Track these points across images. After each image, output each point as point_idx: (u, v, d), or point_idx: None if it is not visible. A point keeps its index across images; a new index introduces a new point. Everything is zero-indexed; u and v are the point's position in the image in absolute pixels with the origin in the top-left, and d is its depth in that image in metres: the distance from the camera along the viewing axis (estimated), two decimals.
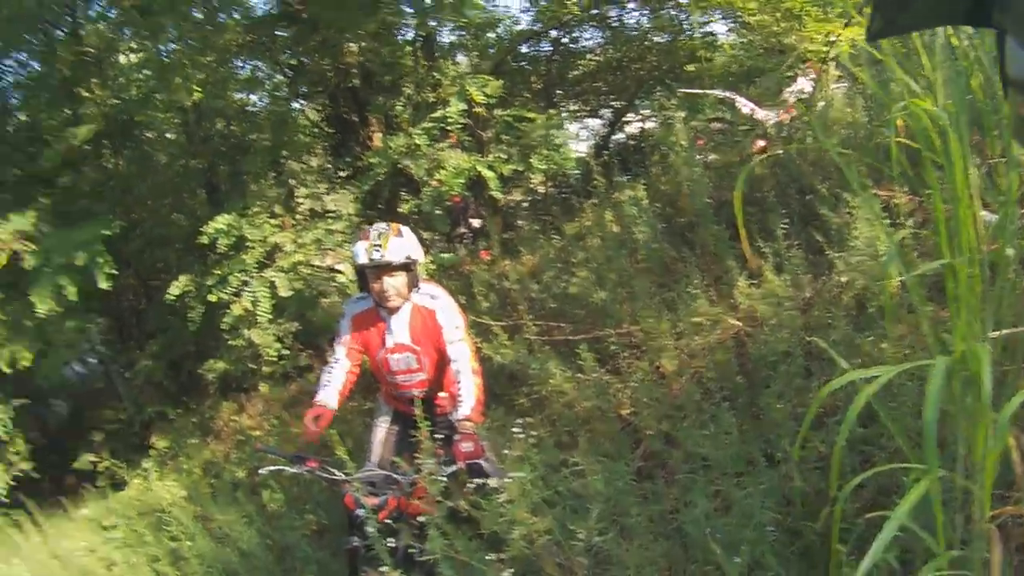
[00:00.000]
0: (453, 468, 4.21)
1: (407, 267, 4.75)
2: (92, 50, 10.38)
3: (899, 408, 3.62)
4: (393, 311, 4.85)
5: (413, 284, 4.83)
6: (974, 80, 3.03)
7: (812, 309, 5.20)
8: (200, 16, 9.18)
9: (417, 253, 4.84)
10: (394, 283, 4.73)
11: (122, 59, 10.93)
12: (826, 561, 3.58)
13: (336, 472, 4.49)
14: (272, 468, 4.75)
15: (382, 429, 5.29)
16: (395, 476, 4.51)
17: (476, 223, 10.77)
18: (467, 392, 4.62)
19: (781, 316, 5.02)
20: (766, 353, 4.95)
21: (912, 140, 3.19)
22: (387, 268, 4.68)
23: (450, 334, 4.78)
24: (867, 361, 4.25)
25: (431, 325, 4.83)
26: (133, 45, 10.39)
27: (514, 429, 4.17)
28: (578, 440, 5.30)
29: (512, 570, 3.57)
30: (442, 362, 4.94)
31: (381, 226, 4.77)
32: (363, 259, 4.65)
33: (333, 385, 4.96)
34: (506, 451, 4.14)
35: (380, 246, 4.63)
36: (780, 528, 3.70)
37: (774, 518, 3.65)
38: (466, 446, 4.25)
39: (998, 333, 2.75)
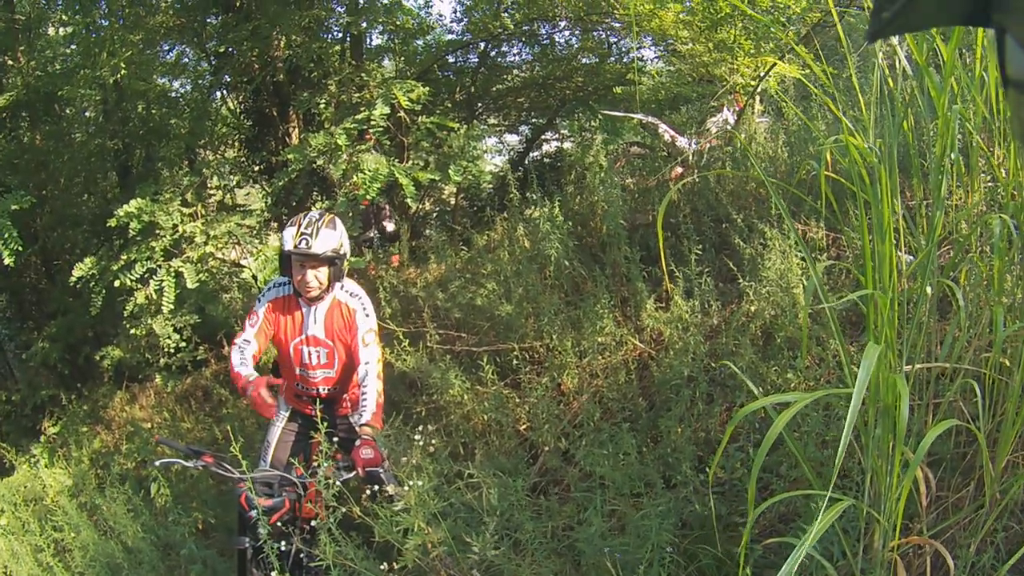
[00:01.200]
0: (352, 474, 4.14)
1: (333, 261, 4.64)
2: (22, 18, 10.04)
3: (802, 438, 3.64)
4: (313, 302, 4.76)
5: (337, 278, 4.73)
6: (905, 123, 3.07)
7: (719, 336, 5.24)
8: None
9: (346, 247, 4.75)
10: (318, 275, 4.63)
11: (51, 31, 10.62)
12: None
13: (232, 470, 4.32)
14: (166, 460, 4.61)
15: (279, 428, 5.14)
16: (290, 478, 4.39)
17: (390, 227, 10.67)
18: (371, 398, 4.54)
19: (687, 341, 5.03)
20: (670, 377, 4.96)
21: (837, 176, 3.23)
22: (313, 259, 4.57)
23: (365, 336, 4.71)
24: (771, 390, 4.29)
25: (348, 323, 4.75)
26: (64, 17, 10.07)
27: (415, 437, 4.08)
28: (474, 452, 5.24)
29: None
30: (351, 363, 4.84)
31: (315, 215, 4.67)
32: (289, 245, 4.53)
33: (250, 365, 4.75)
34: (404, 459, 4.06)
35: (309, 235, 4.52)
36: (676, 551, 3.68)
37: (671, 540, 3.62)
38: (366, 452, 4.16)
39: (912, 367, 2.76)
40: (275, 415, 4.84)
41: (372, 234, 10.53)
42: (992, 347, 2.93)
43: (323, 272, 4.63)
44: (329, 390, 4.98)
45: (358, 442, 4.25)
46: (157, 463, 4.73)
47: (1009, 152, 3.15)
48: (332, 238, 4.60)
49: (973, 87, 3.24)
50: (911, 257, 3.22)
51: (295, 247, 4.50)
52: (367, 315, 4.76)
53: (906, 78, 3.07)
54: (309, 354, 4.85)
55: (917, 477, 2.72)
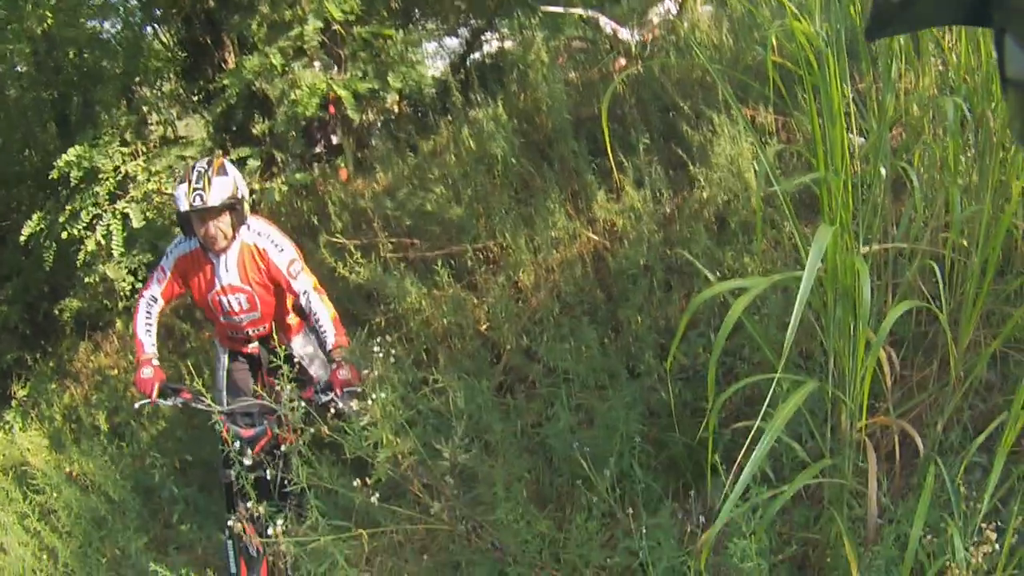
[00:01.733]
0: (330, 396, 4.17)
1: (232, 207, 4.39)
2: None
3: (762, 321, 3.69)
4: (221, 251, 4.51)
5: (240, 222, 4.49)
6: (852, 7, 3.05)
7: (672, 224, 5.26)
8: None
9: (243, 190, 4.54)
10: (220, 226, 4.38)
11: None
12: (692, 471, 3.67)
13: (211, 404, 4.18)
14: (143, 402, 4.60)
15: (222, 371, 5.10)
16: (270, 405, 4.29)
17: (335, 140, 10.52)
18: (326, 320, 4.47)
19: (640, 231, 5.05)
20: (626, 267, 5.00)
21: (785, 61, 3.21)
22: (211, 212, 4.32)
23: (289, 269, 4.54)
24: (729, 275, 4.34)
25: (264, 264, 4.55)
26: None
27: (375, 348, 4.07)
28: (437, 358, 5.27)
29: (378, 494, 3.50)
30: (279, 299, 4.79)
31: (201, 164, 4.40)
32: (184, 205, 4.26)
33: (154, 329, 4.72)
34: (366, 371, 4.06)
35: (202, 190, 4.25)
36: (645, 440, 3.75)
37: (639, 430, 3.68)
38: (343, 373, 4.20)
39: (868, 248, 2.80)
40: (151, 392, 4.50)
41: (319, 149, 10.37)
42: (949, 228, 2.97)
43: (225, 221, 4.39)
44: (259, 330, 4.86)
45: (333, 365, 4.30)
46: (136, 405, 4.73)
47: (960, 36, 3.15)
48: (226, 185, 4.35)
49: None
50: (863, 140, 3.24)
51: (191, 206, 4.24)
52: (280, 249, 4.56)
53: None
54: (229, 303, 4.66)
55: (880, 358, 2.77)
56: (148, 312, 4.68)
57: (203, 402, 4.24)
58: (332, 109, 8.67)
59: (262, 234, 4.56)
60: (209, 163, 4.40)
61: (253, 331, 4.83)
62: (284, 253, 4.55)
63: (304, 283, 4.54)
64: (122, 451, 6.54)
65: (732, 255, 4.49)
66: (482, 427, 4.04)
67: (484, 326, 5.55)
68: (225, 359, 5.09)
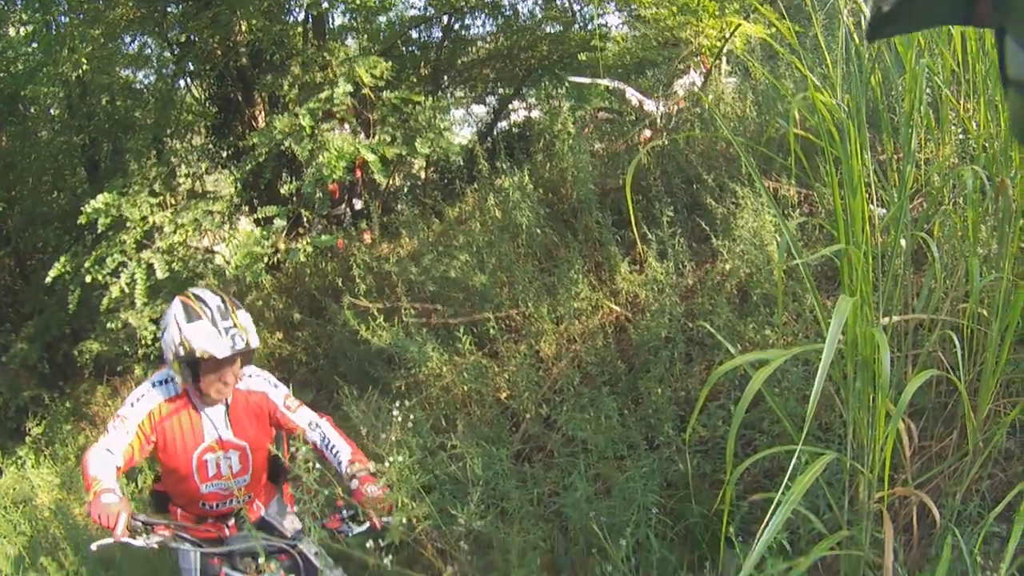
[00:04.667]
0: (365, 526, 3.55)
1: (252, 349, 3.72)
2: None
3: (782, 393, 3.67)
4: (214, 403, 3.80)
5: (246, 365, 3.88)
6: (873, 78, 3.08)
7: (694, 296, 5.26)
8: None
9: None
10: (235, 371, 3.72)
11: (11, 32, 10.51)
12: (708, 542, 3.62)
13: (198, 541, 3.76)
14: (104, 542, 3.53)
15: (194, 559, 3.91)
16: (279, 543, 3.85)
17: (358, 204, 10.63)
18: (339, 441, 3.84)
19: (663, 302, 5.05)
20: (647, 339, 4.98)
21: (807, 134, 3.24)
22: (241, 355, 3.70)
23: (287, 403, 3.89)
24: (750, 347, 4.32)
25: (262, 409, 3.90)
26: (24, 16, 9.95)
27: (393, 412, 4.05)
28: (456, 423, 5.25)
29: (392, 557, 3.46)
30: (263, 458, 3.96)
31: (214, 300, 3.69)
32: (224, 349, 3.55)
33: (114, 475, 3.57)
34: (383, 435, 4.03)
35: (237, 330, 3.61)
36: (662, 511, 3.72)
37: (656, 501, 3.65)
38: (371, 489, 3.52)
39: (888, 319, 2.79)
40: (115, 526, 3.33)
41: (342, 211, 10.49)
42: (969, 297, 2.96)
43: (238, 367, 3.73)
44: (240, 502, 3.98)
45: (355, 482, 3.60)
46: (94, 546, 3.62)
47: (979, 104, 3.17)
48: (249, 318, 3.74)
49: (940, 41, 3.25)
50: (884, 211, 3.24)
51: (233, 349, 3.56)
52: (275, 385, 3.94)
53: None
54: (218, 463, 3.85)
55: (899, 428, 2.75)
56: (103, 460, 3.58)
57: (188, 539, 3.74)
58: (359, 172, 8.76)
59: (253, 376, 3.91)
60: (222, 299, 3.71)
61: (238, 501, 3.95)
62: (279, 388, 3.95)
63: (307, 414, 3.92)
64: (135, 495, 6.52)
65: (753, 327, 4.48)
66: (499, 494, 4.02)
67: (504, 394, 5.54)
68: (195, 557, 3.86)
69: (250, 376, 3.86)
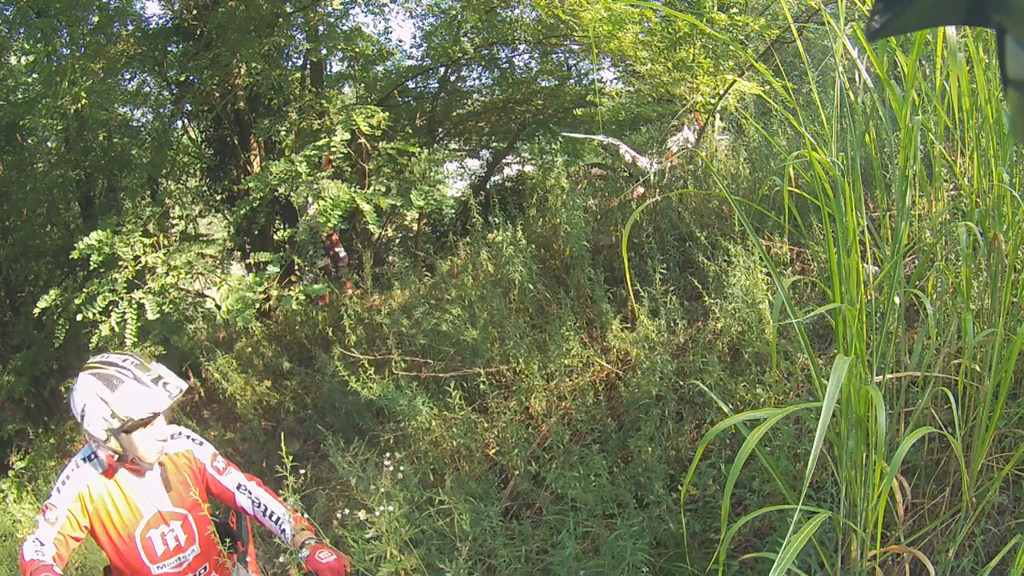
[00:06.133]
0: None
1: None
2: None
3: (773, 452, 3.64)
4: (144, 471, 3.51)
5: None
6: (867, 136, 3.10)
7: (685, 354, 5.25)
8: (96, 19, 8.89)
9: None
10: (164, 425, 3.45)
11: (12, 60, 10.57)
12: None
13: None
14: None
15: None
16: None
17: (342, 253, 10.64)
18: (276, 506, 3.59)
19: (654, 360, 5.03)
20: (638, 396, 4.96)
21: (800, 191, 3.25)
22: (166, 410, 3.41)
23: (215, 464, 3.67)
24: (741, 406, 4.30)
25: (193, 470, 3.63)
26: (26, 46, 10.02)
27: (385, 463, 4.00)
28: (444, 478, 5.20)
29: None
30: (207, 521, 3.64)
31: (122, 359, 3.44)
32: (161, 401, 3.33)
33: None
34: (372, 486, 3.98)
35: (163, 377, 3.39)
36: (652, 570, 3.67)
37: (646, 560, 3.60)
38: (325, 556, 3.30)
39: (883, 377, 2.78)
40: None
41: (326, 262, 10.50)
42: (962, 353, 2.96)
43: (164, 424, 3.45)
44: (201, 574, 3.69)
45: (305, 551, 3.35)
46: None
47: (972, 160, 3.19)
48: (162, 366, 3.49)
49: (935, 97, 3.28)
50: (877, 268, 3.24)
51: (172, 398, 3.35)
52: (200, 443, 3.71)
53: (867, 91, 3.10)
54: (164, 538, 3.54)
55: (892, 486, 2.73)
56: (38, 552, 3.28)
57: None
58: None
59: (176, 435, 3.67)
60: (135, 357, 3.46)
61: None
62: (204, 447, 3.71)
63: (235, 476, 3.66)
64: None
65: (744, 386, 4.47)
66: (487, 550, 3.98)
67: (493, 450, 5.51)
68: None
69: (172, 437, 3.59)
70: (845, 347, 2.61)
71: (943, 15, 1.02)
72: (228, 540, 3.53)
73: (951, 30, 2.61)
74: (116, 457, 3.38)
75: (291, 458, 3.15)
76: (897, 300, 2.90)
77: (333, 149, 7.62)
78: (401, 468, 4.19)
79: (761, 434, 2.51)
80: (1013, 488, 3.20)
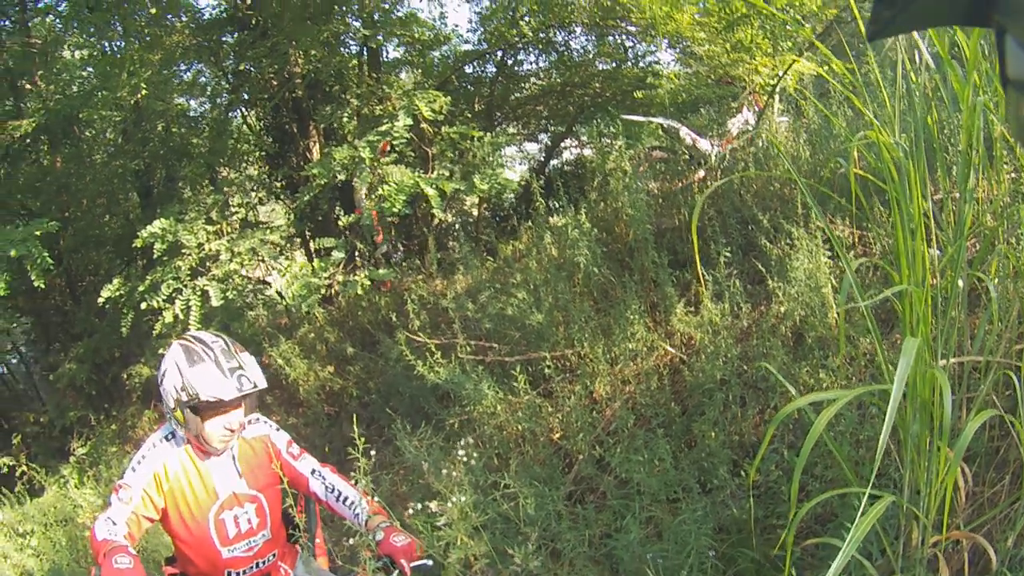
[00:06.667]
0: (395, 573, 3.28)
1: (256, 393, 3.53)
2: (39, 42, 10.21)
3: (837, 437, 3.62)
4: (219, 454, 3.57)
5: (251, 411, 3.68)
6: (930, 117, 3.06)
7: (749, 339, 5.22)
8: (152, 11, 9.04)
9: None
10: (240, 418, 3.51)
11: (67, 54, 10.79)
12: None
13: None
14: None
15: None
16: None
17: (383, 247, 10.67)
18: (350, 491, 3.64)
19: (718, 344, 5.01)
20: (702, 381, 4.95)
21: (864, 173, 3.22)
22: (248, 398, 3.49)
23: (290, 449, 3.74)
24: (804, 391, 4.27)
25: (266, 455, 3.69)
26: (80, 40, 10.22)
27: (459, 452, 4.04)
28: (509, 463, 5.23)
29: None
30: (278, 507, 3.74)
31: (217, 343, 3.49)
32: (230, 391, 3.34)
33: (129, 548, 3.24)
34: (444, 471, 4.03)
35: (242, 370, 3.41)
36: (715, 555, 3.68)
37: (709, 544, 3.61)
38: (400, 539, 3.32)
39: (946, 361, 2.75)
40: None
41: (386, 248, 10.54)
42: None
43: (242, 412, 3.52)
44: (266, 563, 3.73)
45: (380, 534, 3.36)
46: None
47: None
48: (254, 360, 3.54)
49: (995, 77, 3.23)
50: (939, 252, 3.21)
51: (240, 390, 3.36)
52: (277, 429, 3.79)
53: (928, 71, 3.07)
54: (236, 520, 3.58)
55: (956, 473, 2.71)
56: (110, 532, 3.28)
57: None
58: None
59: (252, 420, 3.74)
60: (226, 341, 3.53)
61: (263, 562, 3.70)
62: (281, 433, 3.79)
63: (310, 461, 3.75)
64: None
65: (807, 371, 4.44)
66: (551, 534, 4.00)
67: (557, 434, 5.53)
68: None
69: (249, 422, 3.69)
70: (911, 330, 2.60)
71: (943, 15, 1.02)
72: (297, 528, 3.53)
73: None
74: (193, 433, 3.45)
75: (363, 439, 3.17)
76: (960, 284, 2.87)
77: (396, 134, 7.66)
78: (473, 455, 4.23)
79: (830, 416, 2.50)
80: None
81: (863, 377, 4.19)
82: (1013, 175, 3.61)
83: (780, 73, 7.20)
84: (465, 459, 3.84)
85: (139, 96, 8.63)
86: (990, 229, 3.41)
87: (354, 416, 4.13)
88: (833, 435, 3.61)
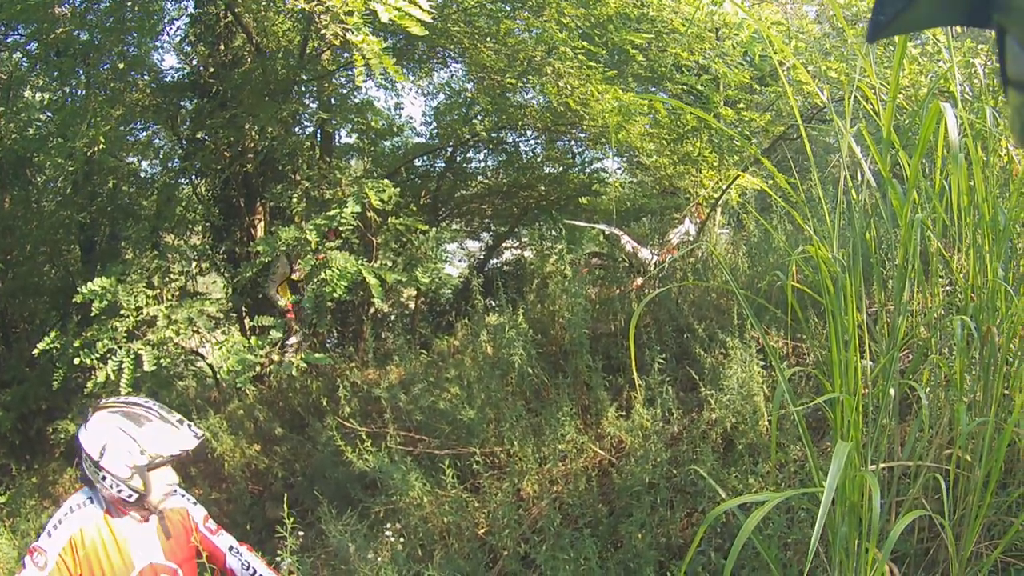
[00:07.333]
0: None
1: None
2: (3, 77, 10.13)
3: (765, 540, 3.67)
4: (144, 519, 3.49)
5: None
6: (868, 233, 3.20)
7: (679, 444, 5.29)
8: (121, 66, 9.05)
9: None
10: (175, 477, 3.52)
11: (27, 94, 10.70)
12: None
13: None
14: None
15: None
16: None
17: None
18: (264, 570, 3.66)
19: (648, 448, 5.07)
20: (630, 483, 4.99)
21: (801, 286, 3.34)
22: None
23: (210, 524, 3.71)
24: (734, 495, 4.33)
25: (183, 528, 3.61)
26: (43, 82, 10.17)
27: (386, 532, 4.01)
28: (433, 555, 5.20)
29: None
30: None
31: (143, 400, 3.57)
32: (188, 440, 3.42)
33: None
34: (370, 555, 3.99)
35: (183, 419, 3.49)
36: None
37: None
38: None
39: (876, 467, 2.84)
40: None
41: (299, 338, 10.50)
42: (953, 444, 3.02)
43: (171, 469, 3.50)
44: None
45: None
46: None
47: (968, 256, 3.29)
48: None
49: (934, 195, 3.39)
50: (871, 363, 3.33)
51: (198, 437, 3.45)
52: (194, 503, 3.73)
53: (868, 188, 3.22)
54: None
55: (883, 573, 2.77)
56: None
57: None
58: None
59: (173, 493, 3.58)
60: (156, 403, 3.56)
61: None
62: (198, 507, 3.72)
63: (228, 538, 3.72)
64: None
65: (736, 476, 4.51)
66: None
67: (483, 529, 5.51)
68: None
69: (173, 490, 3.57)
70: (843, 435, 2.68)
71: (943, 15, 1.05)
72: None
73: (953, 134, 2.71)
74: (134, 498, 3.36)
75: (292, 519, 3.14)
76: (892, 392, 2.97)
77: (343, 220, 7.71)
78: (400, 540, 4.19)
79: (760, 517, 2.56)
80: (1002, 574, 3.24)
81: (792, 483, 4.27)
82: (948, 288, 3.77)
83: (724, 187, 7.42)
84: (392, 537, 3.80)
85: (96, 149, 8.57)
86: (923, 340, 3.55)
87: (284, 496, 4.10)
88: (762, 538, 3.67)
